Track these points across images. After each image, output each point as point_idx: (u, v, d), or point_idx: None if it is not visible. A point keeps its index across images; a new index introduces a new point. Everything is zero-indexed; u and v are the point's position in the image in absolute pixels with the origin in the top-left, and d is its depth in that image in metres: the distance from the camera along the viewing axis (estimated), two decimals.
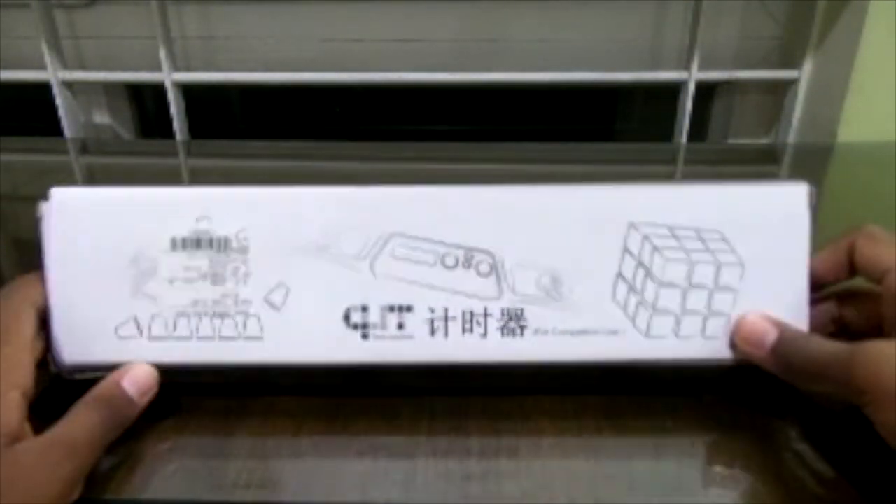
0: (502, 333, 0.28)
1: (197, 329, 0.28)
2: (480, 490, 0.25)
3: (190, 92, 0.71)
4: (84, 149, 0.71)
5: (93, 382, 0.26)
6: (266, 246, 0.28)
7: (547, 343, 0.28)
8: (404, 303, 0.28)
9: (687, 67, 0.68)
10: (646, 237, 0.28)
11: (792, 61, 0.69)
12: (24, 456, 0.22)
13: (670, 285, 0.28)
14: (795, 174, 0.63)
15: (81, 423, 0.24)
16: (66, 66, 0.71)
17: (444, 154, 0.69)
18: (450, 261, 0.27)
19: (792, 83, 0.69)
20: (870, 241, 0.27)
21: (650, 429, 0.28)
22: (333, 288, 0.28)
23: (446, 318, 0.28)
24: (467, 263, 0.27)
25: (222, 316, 0.28)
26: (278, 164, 0.67)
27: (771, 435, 0.27)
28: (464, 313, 0.28)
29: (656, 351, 0.28)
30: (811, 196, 0.28)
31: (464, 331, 0.28)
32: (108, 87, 0.76)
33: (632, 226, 0.28)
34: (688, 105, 0.68)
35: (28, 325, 0.26)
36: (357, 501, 0.24)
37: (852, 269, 0.28)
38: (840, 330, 0.29)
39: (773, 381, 0.27)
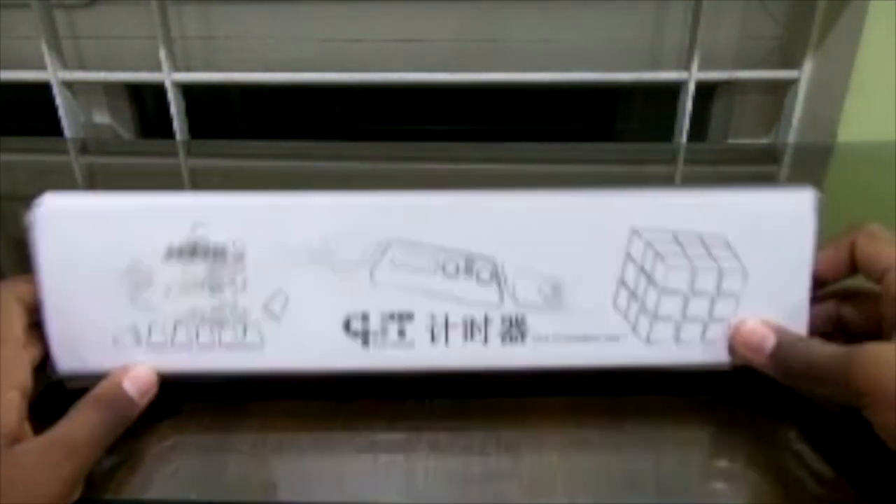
0: (503, 340, 0.28)
1: (196, 337, 0.27)
2: (480, 490, 0.25)
3: (190, 92, 0.71)
4: (84, 149, 0.71)
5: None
6: (264, 254, 0.27)
7: (547, 349, 0.28)
8: (405, 310, 0.27)
9: (687, 67, 0.68)
10: (648, 244, 0.27)
11: (792, 61, 0.69)
12: (23, 456, 0.22)
13: (672, 292, 0.28)
14: (795, 174, 0.64)
15: (82, 423, 0.24)
16: (66, 66, 0.71)
17: (444, 154, 0.69)
18: (450, 268, 0.27)
19: (792, 83, 0.69)
20: (870, 240, 0.27)
21: (650, 428, 0.28)
22: (333, 296, 0.27)
23: (447, 326, 0.28)
24: (468, 270, 0.27)
25: (221, 324, 0.27)
26: (278, 164, 0.67)
27: (770, 435, 0.27)
28: (465, 320, 0.28)
29: (656, 356, 0.28)
30: (818, 202, 0.28)
31: (465, 338, 0.28)
32: (108, 87, 0.76)
33: (634, 232, 0.27)
34: (688, 105, 0.68)
35: (17, 323, 0.25)
36: (357, 501, 0.25)
37: (853, 267, 0.28)
38: (839, 329, 0.29)
39: (772, 381, 0.27)
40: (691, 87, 0.68)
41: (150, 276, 0.27)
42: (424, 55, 0.71)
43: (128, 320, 0.27)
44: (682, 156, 0.69)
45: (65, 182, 0.61)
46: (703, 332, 0.28)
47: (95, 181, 0.64)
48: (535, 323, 0.28)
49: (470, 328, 0.28)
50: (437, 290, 0.27)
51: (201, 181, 0.63)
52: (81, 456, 0.23)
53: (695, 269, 0.27)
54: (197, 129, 0.72)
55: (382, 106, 0.81)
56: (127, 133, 0.78)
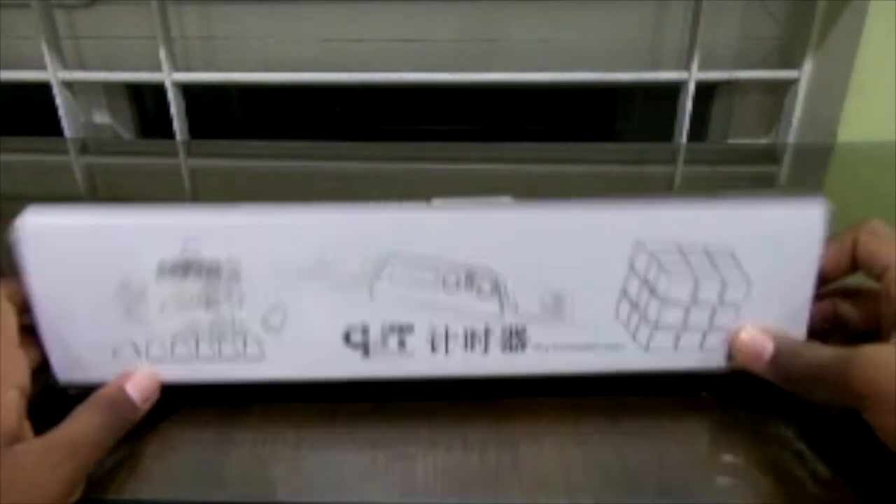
0: (503, 349, 0.28)
1: (196, 350, 0.27)
2: (480, 489, 0.25)
3: (190, 92, 0.71)
4: (84, 149, 0.71)
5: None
6: (259, 270, 0.26)
7: (547, 357, 0.28)
8: (405, 322, 0.27)
9: (687, 67, 0.68)
10: (652, 256, 0.27)
11: (792, 61, 0.69)
12: (24, 457, 0.22)
13: (674, 303, 0.27)
14: (795, 174, 0.64)
15: (83, 424, 0.24)
16: (66, 66, 0.71)
17: (444, 154, 0.69)
18: (451, 281, 0.27)
19: (792, 83, 0.69)
20: (871, 238, 0.27)
21: (650, 428, 0.28)
22: (332, 309, 0.27)
23: (447, 336, 0.27)
24: (469, 284, 0.27)
25: (220, 338, 0.27)
26: (278, 164, 0.67)
27: (770, 434, 0.27)
28: (465, 331, 0.27)
29: (654, 362, 0.28)
30: (828, 214, 0.27)
31: (465, 348, 0.28)
32: (108, 87, 0.76)
33: (639, 244, 0.27)
34: (688, 105, 0.68)
35: (11, 323, 0.25)
36: (357, 501, 0.25)
37: (855, 264, 0.28)
38: (839, 328, 0.29)
39: (769, 382, 0.27)
40: (691, 87, 0.68)
41: (144, 294, 0.26)
42: (424, 55, 0.71)
43: (125, 335, 0.27)
44: (682, 156, 0.69)
45: (65, 182, 0.61)
46: (703, 340, 0.28)
47: (95, 181, 0.64)
48: (535, 333, 0.28)
49: (470, 339, 0.28)
50: (437, 304, 0.27)
51: (201, 181, 0.63)
52: (82, 457, 0.23)
53: (698, 281, 0.27)
54: (197, 129, 0.72)
55: (382, 106, 0.81)
56: (127, 133, 0.78)
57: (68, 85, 0.71)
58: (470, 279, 0.27)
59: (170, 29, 0.68)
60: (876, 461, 0.25)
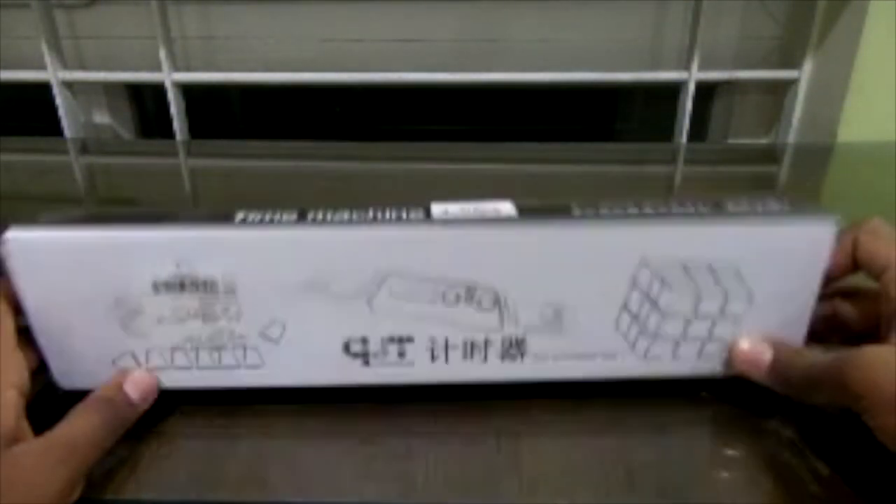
0: (502, 359, 0.28)
1: (196, 360, 0.27)
2: (480, 489, 0.25)
3: (190, 92, 0.71)
4: (84, 149, 0.71)
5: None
6: (256, 286, 0.26)
7: (546, 366, 0.28)
8: (405, 334, 0.27)
9: (687, 67, 0.68)
10: (655, 273, 0.26)
11: (792, 61, 0.69)
12: (23, 457, 0.22)
13: (675, 316, 0.27)
14: (795, 174, 0.64)
15: (82, 424, 0.24)
16: (66, 66, 0.71)
17: (444, 154, 0.69)
18: (450, 297, 0.26)
19: (792, 83, 0.69)
20: (871, 237, 0.27)
21: (650, 428, 0.28)
22: (331, 322, 0.27)
23: (447, 347, 0.27)
24: (469, 299, 0.27)
25: (220, 348, 0.27)
26: (278, 164, 0.67)
27: (769, 434, 0.27)
28: (465, 342, 0.27)
29: (652, 369, 0.28)
30: (838, 231, 0.26)
31: (464, 357, 0.28)
32: (108, 87, 0.76)
33: (643, 261, 0.26)
34: (688, 105, 0.68)
35: (7, 323, 0.25)
36: (357, 501, 0.25)
37: (856, 264, 0.28)
38: (838, 328, 0.29)
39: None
40: (691, 87, 0.68)
41: (140, 308, 0.26)
42: (424, 55, 0.71)
43: (123, 346, 0.27)
44: (682, 156, 0.69)
45: (65, 182, 0.61)
46: (701, 349, 0.28)
47: (95, 181, 0.64)
48: (534, 343, 0.28)
49: (470, 349, 0.28)
50: (436, 317, 0.27)
51: (201, 181, 0.63)
52: (81, 457, 0.23)
53: (700, 297, 0.27)
54: (197, 129, 0.72)
55: (382, 106, 0.81)
56: (127, 133, 0.78)
57: (68, 85, 0.71)
58: (470, 294, 0.27)
59: (170, 29, 0.68)
60: (874, 459, 0.25)
